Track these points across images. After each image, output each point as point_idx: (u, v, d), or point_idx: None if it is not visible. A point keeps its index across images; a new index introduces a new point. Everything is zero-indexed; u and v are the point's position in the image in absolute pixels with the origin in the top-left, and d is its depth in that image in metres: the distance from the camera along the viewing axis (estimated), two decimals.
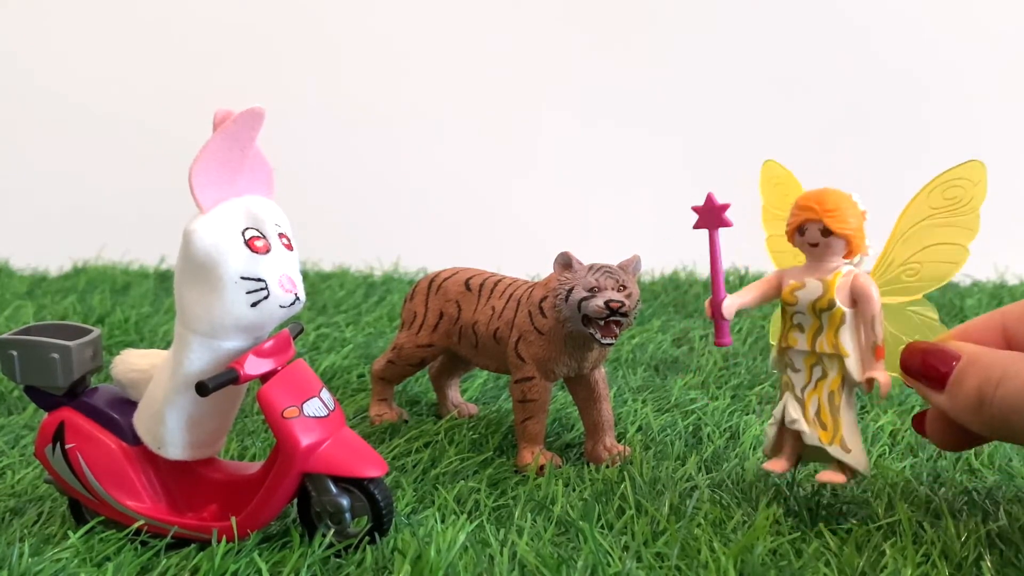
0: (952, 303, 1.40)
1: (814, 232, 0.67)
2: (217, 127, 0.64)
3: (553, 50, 1.93)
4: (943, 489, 0.74)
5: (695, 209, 0.72)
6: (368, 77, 1.97)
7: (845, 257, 0.68)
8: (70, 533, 0.68)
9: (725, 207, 0.71)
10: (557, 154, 1.95)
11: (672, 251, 1.59)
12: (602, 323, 0.78)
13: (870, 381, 0.67)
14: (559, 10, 1.93)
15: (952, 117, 1.84)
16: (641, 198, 1.87)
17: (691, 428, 0.91)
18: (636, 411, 0.95)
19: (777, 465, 0.71)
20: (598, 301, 0.77)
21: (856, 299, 0.67)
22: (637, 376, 1.08)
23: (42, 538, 0.69)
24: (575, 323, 0.79)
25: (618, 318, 0.78)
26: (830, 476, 0.68)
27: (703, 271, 1.63)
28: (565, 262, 0.81)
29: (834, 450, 0.68)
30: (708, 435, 0.89)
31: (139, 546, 0.67)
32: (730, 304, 0.71)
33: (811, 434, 0.69)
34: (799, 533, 0.68)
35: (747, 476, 0.78)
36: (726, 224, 0.71)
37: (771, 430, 0.71)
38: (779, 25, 1.89)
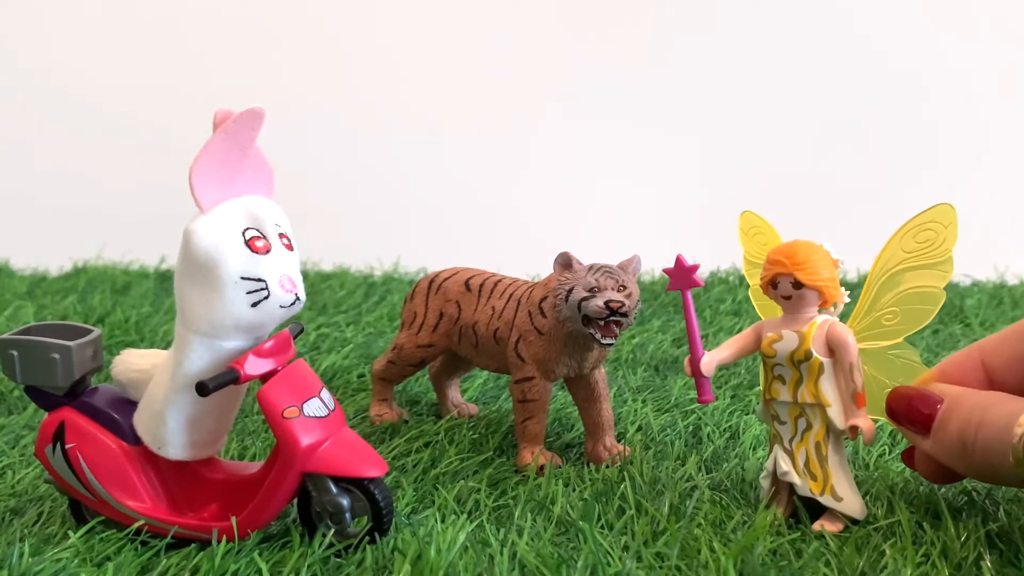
0: (952, 303, 1.40)
1: (786, 285, 0.67)
2: (217, 127, 0.64)
3: (553, 50, 1.93)
4: (943, 489, 0.74)
5: (666, 271, 0.75)
6: (368, 77, 1.97)
7: (821, 306, 0.69)
8: (70, 533, 0.68)
9: (695, 268, 0.73)
10: (557, 154, 1.95)
11: (672, 251, 1.59)
12: (602, 323, 0.78)
13: (854, 429, 0.68)
14: (558, 9, 1.93)
15: (953, 117, 1.84)
16: (641, 198, 1.87)
17: (691, 428, 0.91)
18: (636, 411, 0.95)
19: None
20: (598, 301, 0.77)
21: (833, 348, 0.68)
22: (637, 376, 1.08)
23: (42, 538, 0.69)
24: (575, 323, 0.79)
25: (618, 318, 0.78)
26: (826, 525, 0.69)
27: (703, 271, 1.63)
28: (565, 262, 0.81)
29: (826, 500, 0.69)
30: (708, 435, 0.89)
31: (139, 546, 0.67)
32: (709, 361, 0.71)
33: (803, 485, 0.69)
34: (799, 533, 0.68)
35: (747, 476, 0.78)
36: (697, 284, 0.73)
37: (765, 482, 0.72)
38: (780, 22, 1.89)
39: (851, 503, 0.69)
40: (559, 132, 1.95)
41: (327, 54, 1.96)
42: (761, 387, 0.72)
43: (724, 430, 0.90)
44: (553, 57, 1.93)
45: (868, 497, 0.72)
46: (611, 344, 0.79)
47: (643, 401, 0.98)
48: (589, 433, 0.85)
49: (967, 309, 1.38)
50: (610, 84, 1.93)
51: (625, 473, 0.79)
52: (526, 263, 1.39)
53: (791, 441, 0.70)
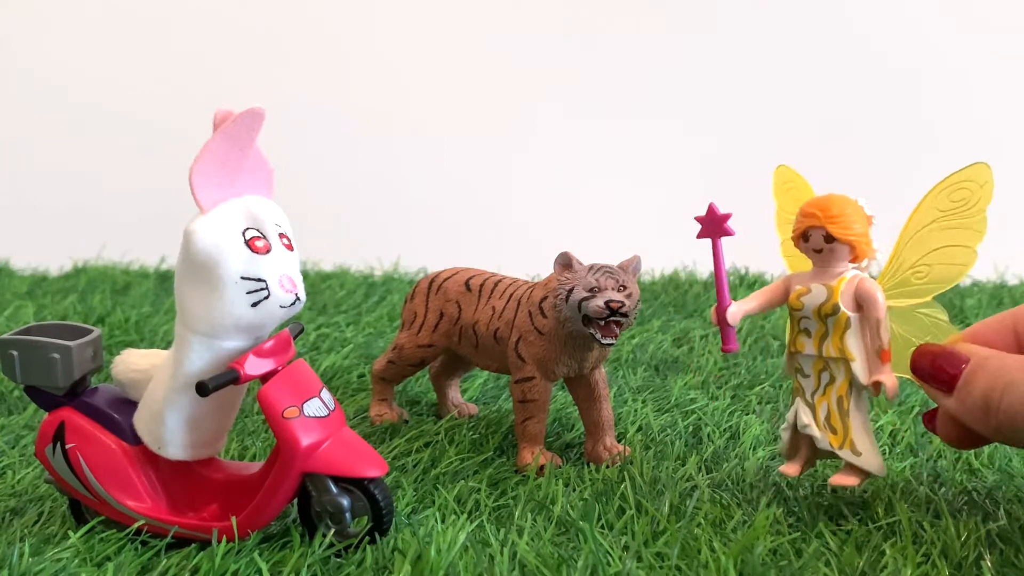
0: (952, 303, 1.40)
1: (818, 238, 0.67)
2: (217, 127, 0.64)
3: (552, 48, 1.93)
4: (943, 489, 0.74)
5: (698, 219, 0.73)
6: (368, 77, 1.97)
7: (852, 262, 0.68)
8: (70, 533, 0.68)
9: (727, 217, 0.71)
10: (557, 154, 1.95)
11: (672, 251, 1.59)
12: (602, 323, 0.78)
13: (877, 385, 0.68)
14: (558, 10, 1.93)
15: (954, 117, 1.84)
16: (641, 198, 1.87)
17: (691, 428, 0.91)
18: (636, 411, 0.95)
19: (792, 469, 0.71)
20: (598, 301, 0.77)
21: (861, 303, 0.67)
22: (637, 376, 1.08)
23: (42, 538, 0.69)
24: (575, 323, 0.79)
25: (618, 318, 0.78)
26: (842, 479, 0.69)
27: (703, 271, 1.63)
28: (565, 262, 0.81)
29: (845, 454, 0.68)
30: (708, 435, 0.89)
31: (139, 546, 0.67)
32: (736, 311, 0.71)
33: (822, 438, 0.69)
34: (799, 533, 0.68)
35: (747, 476, 0.78)
36: (728, 233, 0.72)
37: (785, 434, 0.72)
38: (781, 20, 1.89)
39: (870, 458, 0.68)
40: (559, 132, 1.95)
41: (327, 54, 1.96)
42: (787, 339, 0.72)
43: (724, 430, 0.90)
44: (553, 57, 1.93)
45: (868, 496, 0.72)
46: (611, 344, 0.79)
47: (643, 401, 0.98)
48: (589, 433, 0.85)
49: (967, 309, 1.38)
50: (610, 84, 1.93)
51: (625, 473, 0.79)
52: (526, 263, 1.39)
53: (813, 395, 0.70)
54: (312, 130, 1.89)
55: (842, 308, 0.67)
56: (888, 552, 0.63)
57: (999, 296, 1.48)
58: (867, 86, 1.89)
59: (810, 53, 1.88)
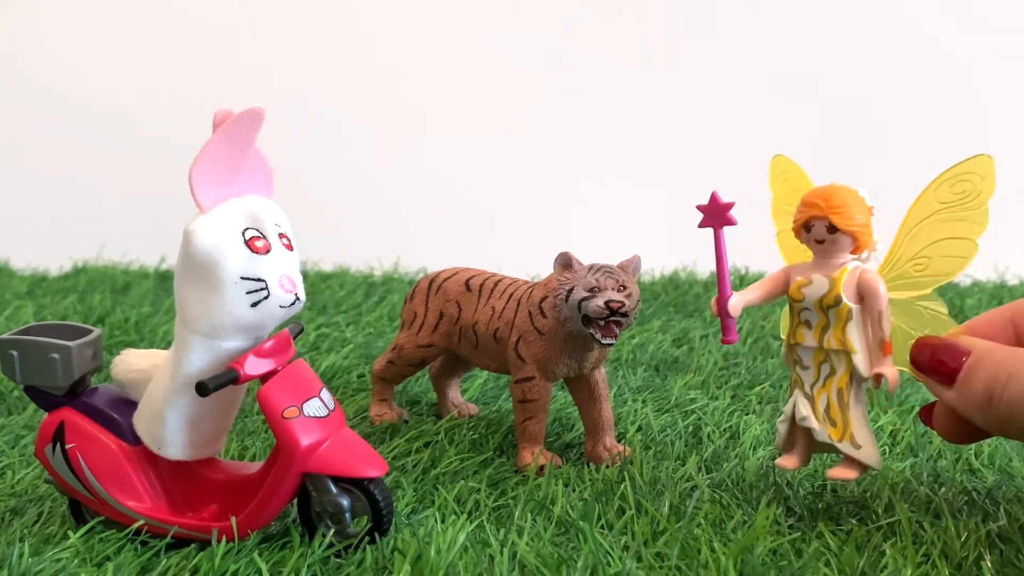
0: (952, 303, 1.40)
1: (820, 229, 0.67)
2: (217, 127, 0.64)
3: (551, 49, 1.93)
4: (943, 489, 0.74)
5: (700, 208, 0.72)
6: (368, 77, 1.97)
7: (853, 253, 0.68)
8: (70, 533, 0.68)
9: (730, 205, 0.71)
10: (557, 154, 1.95)
11: (672, 251, 1.59)
12: (602, 323, 0.78)
13: (878, 377, 0.67)
14: (557, 8, 1.93)
15: (955, 116, 1.84)
16: (642, 198, 1.88)
17: (691, 428, 0.91)
18: (636, 411, 0.95)
19: (789, 462, 0.71)
20: (598, 301, 0.77)
21: (863, 295, 0.67)
22: (637, 376, 1.08)
23: (42, 538, 0.69)
24: (575, 323, 0.79)
25: (618, 318, 0.78)
26: (841, 472, 0.68)
27: (703, 271, 1.63)
28: (565, 262, 0.81)
29: (844, 447, 0.68)
30: (708, 435, 0.89)
31: (139, 546, 0.67)
32: (736, 302, 0.71)
33: (821, 431, 0.69)
34: (799, 533, 0.68)
35: (747, 476, 0.78)
36: (731, 222, 0.71)
37: (782, 427, 0.71)
38: (782, 19, 1.89)
39: (869, 452, 0.68)
40: (558, 132, 1.95)
41: (326, 54, 1.96)
42: (786, 331, 0.71)
43: (724, 430, 0.90)
44: (552, 57, 1.93)
45: (868, 496, 0.72)
46: (611, 344, 0.79)
47: (643, 401, 0.98)
48: (589, 433, 0.85)
49: (967, 309, 1.38)
50: (610, 83, 1.93)
51: (625, 473, 0.79)
52: (526, 263, 1.39)
53: (812, 387, 0.70)
54: (312, 130, 1.89)
55: (844, 299, 0.67)
56: (888, 552, 0.63)
57: (999, 296, 1.48)
58: (867, 85, 1.89)
59: (810, 52, 1.88)
